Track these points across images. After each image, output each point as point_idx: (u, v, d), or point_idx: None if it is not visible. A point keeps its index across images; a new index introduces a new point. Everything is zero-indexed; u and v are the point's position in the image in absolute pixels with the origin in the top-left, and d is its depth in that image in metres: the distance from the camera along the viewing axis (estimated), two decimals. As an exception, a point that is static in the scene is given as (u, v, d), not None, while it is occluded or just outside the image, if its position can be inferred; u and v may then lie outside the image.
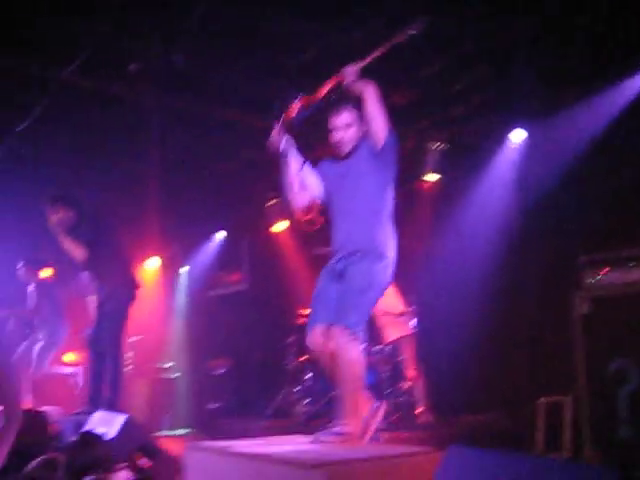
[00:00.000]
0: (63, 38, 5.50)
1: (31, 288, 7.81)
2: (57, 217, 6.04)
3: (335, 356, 3.70)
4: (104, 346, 5.99)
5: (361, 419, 3.72)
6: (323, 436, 3.61)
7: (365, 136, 3.90)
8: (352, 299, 3.73)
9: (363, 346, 3.77)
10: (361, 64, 3.79)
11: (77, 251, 6.00)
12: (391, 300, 6.91)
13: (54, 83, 6.05)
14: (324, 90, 3.91)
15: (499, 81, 6.23)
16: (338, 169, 4.01)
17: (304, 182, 4.07)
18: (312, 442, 3.59)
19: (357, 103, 3.85)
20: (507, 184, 6.79)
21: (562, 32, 5.43)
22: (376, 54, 3.78)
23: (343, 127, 3.89)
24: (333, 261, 3.96)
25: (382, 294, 3.89)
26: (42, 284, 7.83)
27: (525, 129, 6.61)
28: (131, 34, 5.57)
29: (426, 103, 6.67)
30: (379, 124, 3.77)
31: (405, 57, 5.89)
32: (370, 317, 6.26)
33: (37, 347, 7.57)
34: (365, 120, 3.83)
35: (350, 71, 3.77)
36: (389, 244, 3.88)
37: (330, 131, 3.94)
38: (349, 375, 3.66)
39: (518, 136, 6.66)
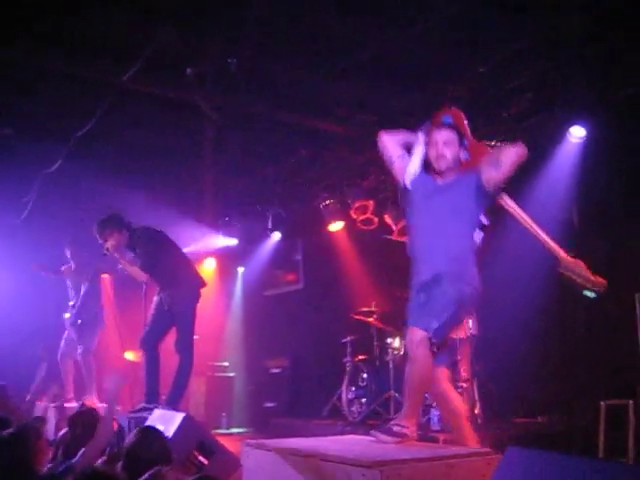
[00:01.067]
0: (122, 43, 5.62)
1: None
2: (112, 242, 6.12)
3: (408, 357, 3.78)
4: (178, 348, 6.09)
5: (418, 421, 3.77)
6: (380, 434, 3.63)
7: (475, 170, 3.91)
8: (438, 308, 3.75)
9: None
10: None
11: (139, 274, 6.24)
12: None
13: (113, 88, 6.17)
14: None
15: (557, 77, 6.11)
16: (434, 183, 4.02)
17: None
18: (369, 438, 3.65)
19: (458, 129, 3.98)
20: (566, 183, 6.65)
21: (620, 23, 5.29)
22: None
23: (442, 143, 3.93)
24: (420, 281, 3.95)
25: (463, 319, 4.03)
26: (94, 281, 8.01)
27: (584, 126, 6.46)
28: (188, 39, 5.66)
29: (480, 100, 6.59)
30: (505, 172, 3.83)
31: (459, 54, 5.87)
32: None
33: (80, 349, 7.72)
34: (494, 159, 3.87)
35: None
36: (477, 277, 3.93)
37: (428, 145, 3.99)
38: (417, 375, 3.71)
39: (577, 133, 6.51)
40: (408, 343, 3.78)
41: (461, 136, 3.96)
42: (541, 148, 6.73)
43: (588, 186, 6.51)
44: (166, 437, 3.70)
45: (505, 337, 6.82)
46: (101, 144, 7.58)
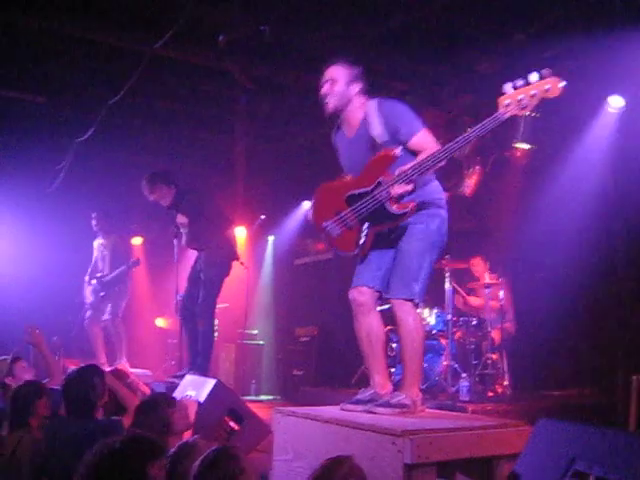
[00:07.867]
0: (154, 11, 5.60)
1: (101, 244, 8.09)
2: (155, 196, 6.16)
3: (399, 326, 3.58)
4: (198, 312, 6.13)
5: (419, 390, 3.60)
6: (379, 408, 3.44)
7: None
8: (412, 268, 3.53)
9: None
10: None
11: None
12: (478, 270, 6.84)
13: (146, 56, 6.16)
14: None
15: (595, 45, 5.97)
16: (343, 137, 3.94)
17: None
18: (366, 412, 3.42)
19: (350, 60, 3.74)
20: (603, 154, 6.53)
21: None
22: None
23: (328, 80, 3.72)
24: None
25: (441, 254, 3.70)
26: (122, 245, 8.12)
27: (623, 96, 6.32)
28: (219, 6, 5.62)
29: (517, 69, 6.47)
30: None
31: (495, 23, 5.76)
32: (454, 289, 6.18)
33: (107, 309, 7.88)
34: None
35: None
36: (437, 199, 3.62)
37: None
38: (414, 345, 3.56)
39: (616, 103, 6.37)
40: (397, 317, 3.55)
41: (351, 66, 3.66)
42: (578, 119, 6.62)
43: (625, 157, 6.40)
44: (102, 373, 3.69)
45: (537, 309, 6.78)
46: (133, 112, 7.62)
